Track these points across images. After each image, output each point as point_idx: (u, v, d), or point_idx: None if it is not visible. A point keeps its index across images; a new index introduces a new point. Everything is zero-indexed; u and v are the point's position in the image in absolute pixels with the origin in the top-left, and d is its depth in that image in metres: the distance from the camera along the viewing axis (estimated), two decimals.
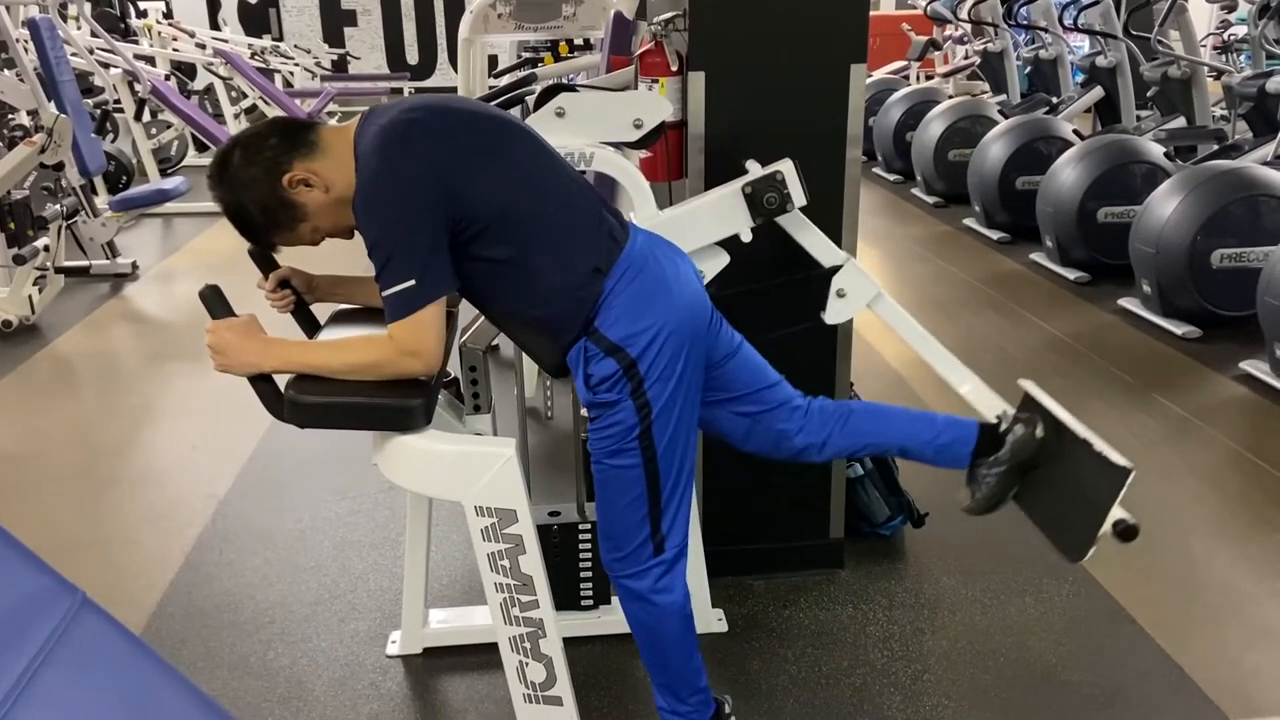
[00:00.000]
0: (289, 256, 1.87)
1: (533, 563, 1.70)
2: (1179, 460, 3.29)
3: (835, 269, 2.15)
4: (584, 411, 1.78)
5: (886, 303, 2.16)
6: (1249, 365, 3.92)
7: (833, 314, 2.17)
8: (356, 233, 1.67)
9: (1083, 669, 2.29)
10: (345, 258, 1.88)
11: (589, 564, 2.35)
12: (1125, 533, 1.83)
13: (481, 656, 2.30)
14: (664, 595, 1.82)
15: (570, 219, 1.72)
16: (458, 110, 1.73)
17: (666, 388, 1.71)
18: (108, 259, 5.62)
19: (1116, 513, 1.84)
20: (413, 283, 1.58)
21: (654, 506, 1.77)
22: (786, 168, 2.05)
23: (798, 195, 2.06)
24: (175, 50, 9.31)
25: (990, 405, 2.09)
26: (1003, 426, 1.99)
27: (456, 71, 5.20)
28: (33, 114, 5.35)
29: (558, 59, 4.60)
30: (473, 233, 1.64)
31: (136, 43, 9.04)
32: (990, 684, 2.25)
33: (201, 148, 8.57)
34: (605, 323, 1.69)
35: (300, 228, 1.73)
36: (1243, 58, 7.32)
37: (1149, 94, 5.95)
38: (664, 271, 1.76)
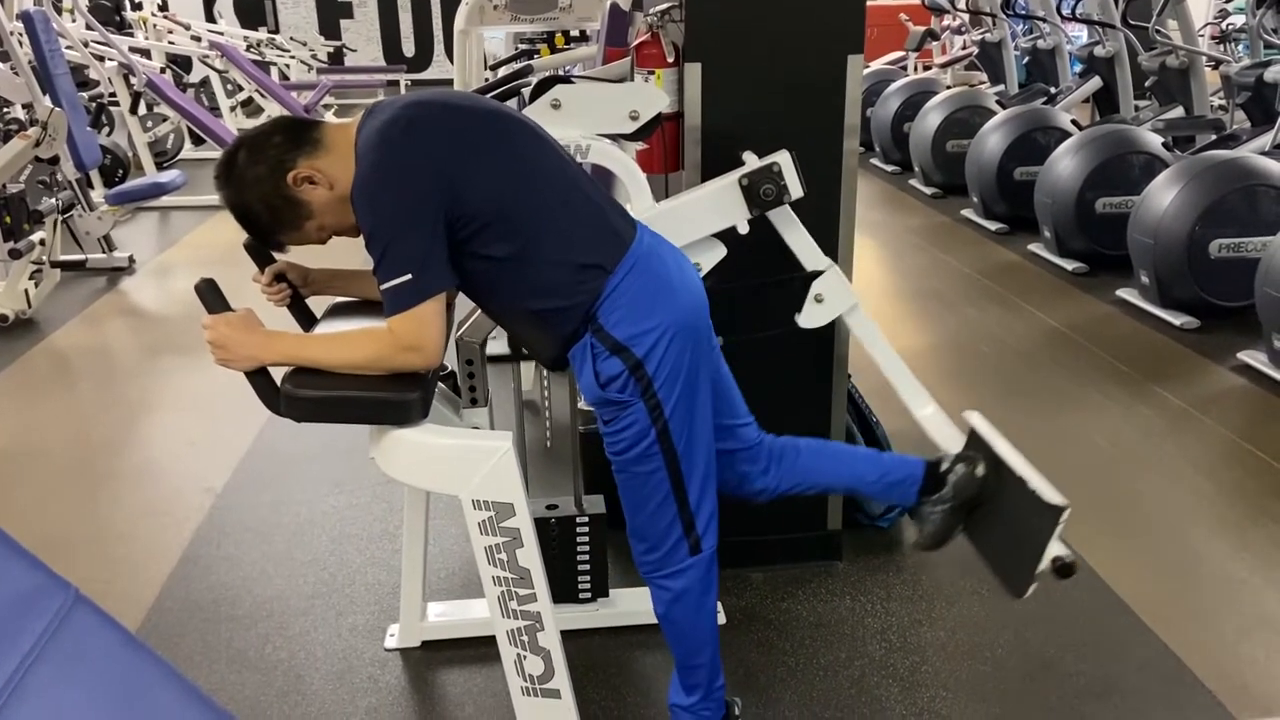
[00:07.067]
0: (290, 251, 1.86)
1: (530, 556, 1.70)
2: (1177, 451, 3.29)
3: (817, 274, 2.14)
4: (583, 403, 1.77)
5: (860, 316, 2.17)
6: (1247, 356, 3.91)
7: (807, 318, 2.17)
8: None
9: (1080, 660, 2.29)
10: (343, 253, 1.87)
11: (586, 557, 2.34)
12: (1062, 569, 1.82)
13: (479, 649, 2.30)
14: (702, 595, 1.83)
15: (572, 214, 1.71)
16: (459, 106, 1.72)
17: (676, 388, 1.70)
18: (104, 253, 5.60)
19: (1054, 549, 1.83)
20: (409, 277, 1.57)
21: (683, 507, 1.77)
22: (783, 159, 2.04)
23: (795, 187, 2.05)
24: (171, 43, 9.29)
25: (944, 436, 2.11)
26: (944, 465, 2.00)
27: (453, 63, 5.17)
28: (27, 107, 5.33)
29: (554, 51, 4.59)
30: (472, 230, 1.63)
31: (132, 35, 9.01)
32: (988, 675, 2.25)
33: (198, 141, 8.54)
34: (610, 321, 1.68)
35: (306, 226, 1.73)
36: (1240, 47, 7.31)
37: (1147, 84, 5.94)
38: (669, 270, 1.75)
